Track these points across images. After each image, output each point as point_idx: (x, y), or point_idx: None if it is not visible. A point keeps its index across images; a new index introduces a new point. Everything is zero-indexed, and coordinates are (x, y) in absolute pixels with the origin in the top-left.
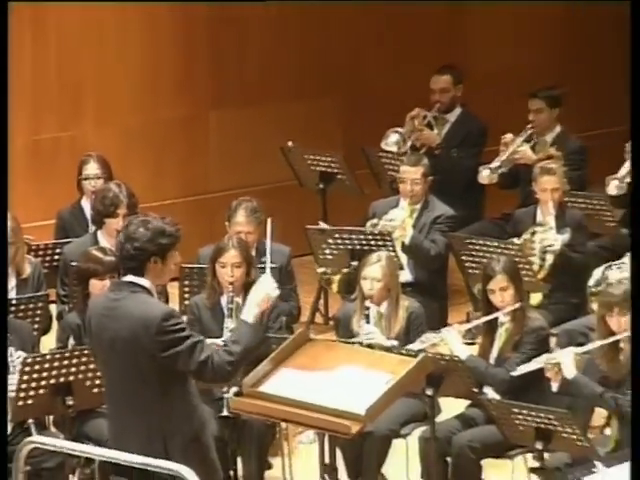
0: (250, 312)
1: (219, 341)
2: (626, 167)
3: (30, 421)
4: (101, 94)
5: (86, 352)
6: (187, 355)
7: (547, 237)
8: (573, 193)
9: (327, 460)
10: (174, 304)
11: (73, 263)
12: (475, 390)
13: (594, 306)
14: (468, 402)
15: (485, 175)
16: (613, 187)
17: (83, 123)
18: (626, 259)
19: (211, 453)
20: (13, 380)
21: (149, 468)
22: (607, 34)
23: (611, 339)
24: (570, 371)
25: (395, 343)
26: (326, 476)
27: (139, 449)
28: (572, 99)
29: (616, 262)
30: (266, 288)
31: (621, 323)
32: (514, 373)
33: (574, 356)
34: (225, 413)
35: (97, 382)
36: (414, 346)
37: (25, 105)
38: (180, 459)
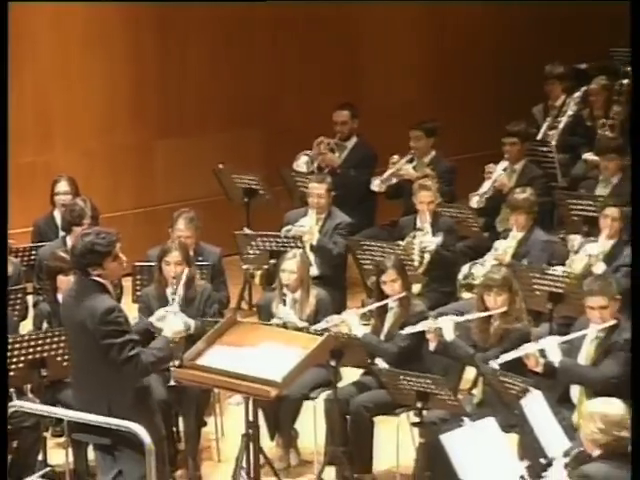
0: (168, 332)
1: (169, 308)
2: (486, 185)
3: (11, 389)
4: (68, 124)
5: (57, 333)
6: (118, 348)
7: (425, 240)
8: (445, 204)
9: (251, 418)
10: (128, 295)
11: (45, 262)
12: (369, 361)
13: (463, 294)
14: (363, 371)
15: (376, 184)
16: (474, 201)
17: (54, 149)
18: (487, 257)
19: (155, 416)
20: None
21: (107, 426)
22: (478, 72)
23: (486, 313)
24: (449, 335)
25: (306, 324)
26: (250, 431)
27: (90, 411)
28: (445, 129)
29: (479, 260)
30: (177, 327)
31: (497, 301)
32: (402, 343)
33: (453, 323)
34: (172, 383)
35: (66, 357)
36: (320, 326)
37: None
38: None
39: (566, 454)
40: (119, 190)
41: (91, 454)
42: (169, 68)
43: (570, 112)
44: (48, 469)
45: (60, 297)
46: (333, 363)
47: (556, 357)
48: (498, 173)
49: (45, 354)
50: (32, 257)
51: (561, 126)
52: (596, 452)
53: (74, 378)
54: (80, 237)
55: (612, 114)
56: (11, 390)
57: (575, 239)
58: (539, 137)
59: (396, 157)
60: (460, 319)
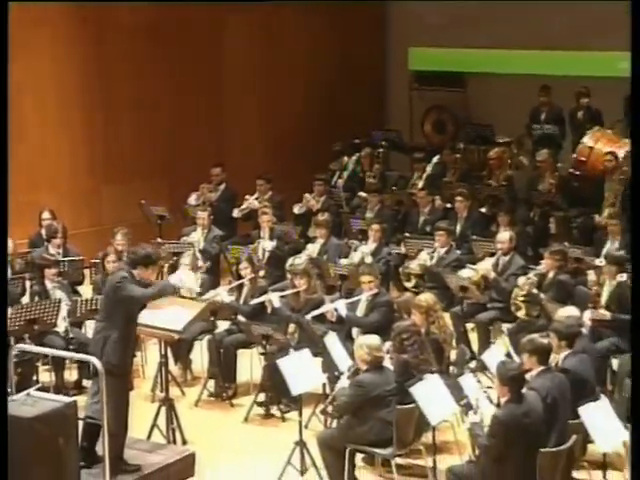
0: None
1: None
2: (301, 209)
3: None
4: (47, 174)
5: (44, 304)
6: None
7: (265, 244)
8: (277, 222)
9: (163, 352)
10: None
11: (37, 261)
12: (233, 316)
13: (288, 277)
14: (230, 322)
15: (236, 212)
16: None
17: (40, 190)
18: (302, 254)
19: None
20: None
21: (79, 358)
22: (297, 144)
23: (294, 290)
24: (277, 303)
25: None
26: (162, 360)
27: (97, 351)
28: (277, 176)
29: (297, 255)
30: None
31: (300, 282)
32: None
33: (278, 297)
34: None
35: (50, 318)
36: (205, 296)
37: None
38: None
39: (349, 369)
40: (80, 215)
41: (66, 375)
42: (107, 122)
43: (351, 166)
44: (39, 385)
45: (47, 283)
46: (212, 318)
47: (343, 312)
48: (309, 201)
49: (36, 316)
50: (28, 257)
51: (346, 175)
52: (364, 367)
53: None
54: (151, 246)
55: (374, 169)
56: (11, 339)
57: (354, 243)
58: (333, 181)
59: (248, 196)
60: (283, 294)
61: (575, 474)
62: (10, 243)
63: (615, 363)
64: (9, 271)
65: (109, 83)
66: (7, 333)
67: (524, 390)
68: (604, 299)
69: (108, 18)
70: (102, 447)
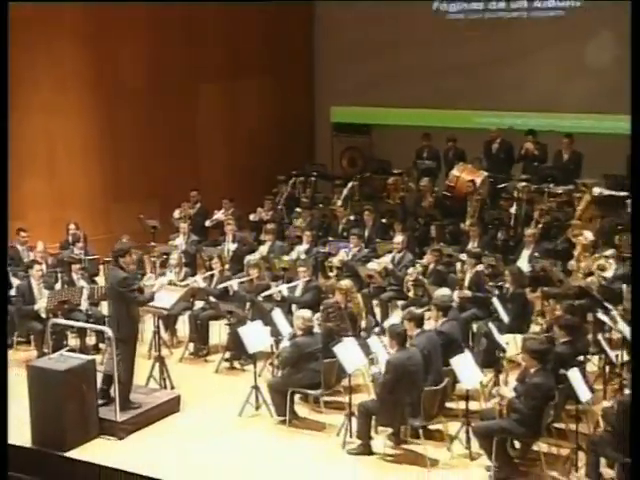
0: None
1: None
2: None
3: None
4: (72, 197)
5: (70, 291)
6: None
7: (229, 246)
8: (237, 230)
9: (156, 324)
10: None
11: (66, 259)
12: (206, 297)
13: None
14: (203, 302)
15: (207, 223)
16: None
17: (67, 208)
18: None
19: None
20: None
21: (96, 328)
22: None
23: (247, 278)
24: (236, 287)
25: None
26: (155, 329)
27: (115, 325)
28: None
29: (252, 254)
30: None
31: (253, 273)
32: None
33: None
34: None
35: (76, 300)
36: (188, 282)
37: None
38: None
39: (289, 334)
40: (96, 226)
41: (87, 340)
42: (117, 167)
43: (290, 190)
44: (69, 347)
45: (73, 275)
46: (191, 299)
47: (285, 293)
48: (260, 214)
49: (66, 298)
50: (59, 257)
51: (285, 196)
52: (300, 332)
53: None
54: (121, 243)
55: (306, 192)
56: (53, 313)
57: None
58: (277, 200)
59: (217, 211)
60: (241, 280)
61: (448, 405)
62: (41, 245)
63: (475, 327)
64: (44, 267)
65: (116, 136)
66: (6, 334)
67: (407, 345)
68: (467, 283)
69: (117, 83)
70: (114, 391)
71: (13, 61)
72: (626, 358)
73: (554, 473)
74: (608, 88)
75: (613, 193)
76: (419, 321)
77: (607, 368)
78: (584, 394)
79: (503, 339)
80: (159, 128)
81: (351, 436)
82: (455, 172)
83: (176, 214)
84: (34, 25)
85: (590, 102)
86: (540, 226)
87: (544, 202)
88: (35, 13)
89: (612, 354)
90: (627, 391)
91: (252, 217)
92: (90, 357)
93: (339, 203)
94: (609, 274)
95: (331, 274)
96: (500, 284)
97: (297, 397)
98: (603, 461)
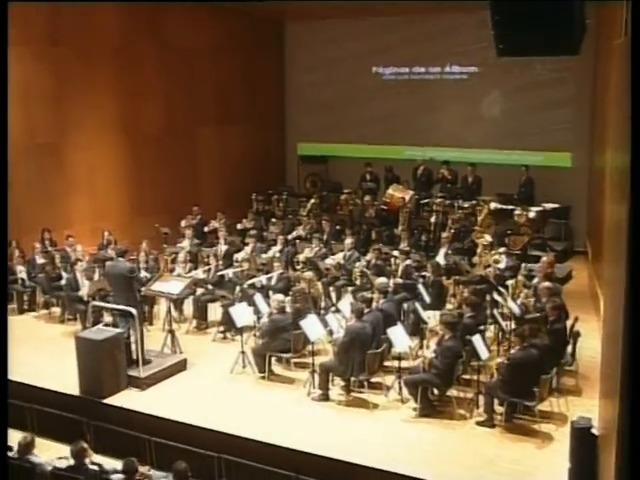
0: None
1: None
2: (214, 222)
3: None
4: (107, 212)
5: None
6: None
7: (222, 247)
8: (228, 234)
9: (168, 305)
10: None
11: (101, 258)
12: (206, 285)
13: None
14: (204, 289)
15: (205, 230)
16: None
17: (103, 220)
18: (241, 253)
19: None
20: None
21: (124, 309)
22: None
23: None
24: (230, 275)
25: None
26: (168, 309)
27: (120, 303)
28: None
29: (239, 253)
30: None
31: (241, 267)
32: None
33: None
34: (142, 293)
35: (109, 289)
36: (192, 274)
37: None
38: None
39: (267, 313)
40: (124, 234)
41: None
42: (140, 189)
43: (267, 206)
44: (104, 322)
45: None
46: (194, 287)
47: (264, 282)
48: (245, 223)
49: (102, 286)
50: (97, 255)
51: (261, 210)
52: (275, 311)
53: (114, 296)
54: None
55: (280, 207)
56: (92, 297)
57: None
58: (257, 211)
59: (212, 221)
60: (232, 271)
61: (385, 363)
62: (80, 247)
63: (405, 306)
64: (84, 263)
65: (139, 167)
66: (6, 332)
67: (361, 320)
68: (399, 273)
69: (140, 128)
70: (136, 355)
71: (73, 109)
72: (513, 327)
73: (462, 411)
74: (501, 130)
75: (504, 207)
76: (369, 303)
77: (500, 334)
78: (483, 353)
79: (426, 315)
80: (170, 161)
81: (314, 387)
82: (390, 191)
83: (182, 223)
84: (79, 83)
85: (488, 140)
86: (452, 231)
87: (455, 213)
88: (83, 74)
89: (503, 324)
90: (512, 351)
91: (239, 226)
92: (120, 330)
93: (304, 214)
94: (502, 266)
95: (298, 268)
96: (424, 274)
97: (273, 359)
98: (496, 401)
